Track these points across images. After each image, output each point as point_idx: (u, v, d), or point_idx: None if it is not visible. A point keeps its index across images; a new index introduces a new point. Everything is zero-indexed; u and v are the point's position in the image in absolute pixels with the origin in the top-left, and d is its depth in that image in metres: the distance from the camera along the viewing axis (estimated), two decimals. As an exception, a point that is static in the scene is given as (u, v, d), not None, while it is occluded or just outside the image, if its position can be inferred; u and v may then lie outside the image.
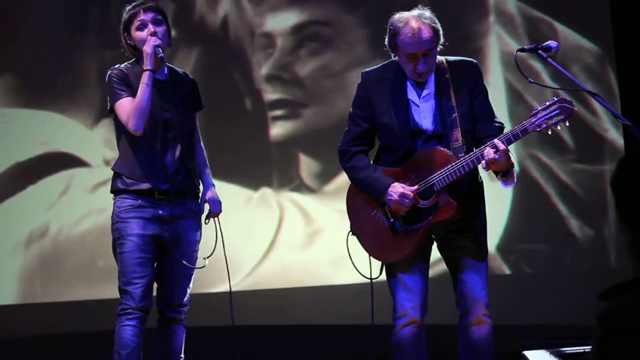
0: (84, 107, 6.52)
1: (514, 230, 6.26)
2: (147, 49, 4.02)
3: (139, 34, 4.09)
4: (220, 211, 4.19)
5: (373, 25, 6.30)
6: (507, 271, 6.26)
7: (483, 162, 3.56)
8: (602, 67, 6.26)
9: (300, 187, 6.47)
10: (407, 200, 3.67)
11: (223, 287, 4.21)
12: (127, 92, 4.06)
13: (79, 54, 6.56)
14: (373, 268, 3.83)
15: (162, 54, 4.04)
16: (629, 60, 6.18)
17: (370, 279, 3.83)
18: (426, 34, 3.65)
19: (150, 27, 4.07)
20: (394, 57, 3.78)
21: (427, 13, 3.71)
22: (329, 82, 6.49)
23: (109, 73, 4.13)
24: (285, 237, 6.43)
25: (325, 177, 6.41)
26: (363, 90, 3.84)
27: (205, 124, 4.31)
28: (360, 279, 3.86)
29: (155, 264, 4.12)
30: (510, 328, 5.43)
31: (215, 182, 4.29)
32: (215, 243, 4.15)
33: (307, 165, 6.47)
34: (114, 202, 4.12)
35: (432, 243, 3.85)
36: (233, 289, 4.27)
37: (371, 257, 3.84)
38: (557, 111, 3.54)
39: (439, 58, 3.76)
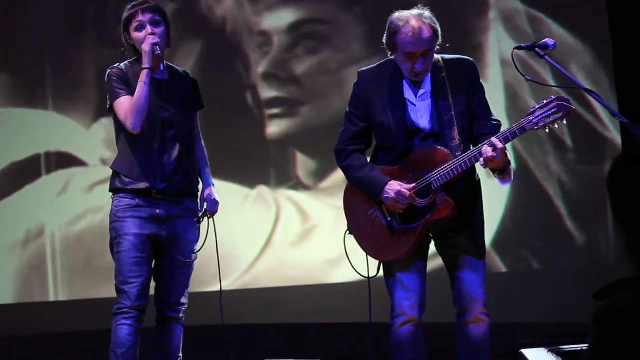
0: (81, 107, 6.52)
1: (511, 228, 6.26)
2: (145, 47, 4.03)
3: (137, 35, 4.10)
4: (216, 211, 4.18)
5: (369, 23, 6.30)
6: (504, 269, 6.26)
7: (481, 159, 3.56)
8: (600, 66, 6.25)
9: (297, 185, 6.47)
10: (403, 198, 3.67)
11: (218, 286, 4.21)
12: (126, 90, 4.07)
13: (77, 53, 6.56)
14: (370, 266, 3.84)
15: (159, 52, 4.04)
16: (627, 59, 6.17)
17: (368, 277, 3.83)
18: (426, 33, 3.65)
19: (148, 29, 4.07)
20: (391, 55, 3.78)
21: (427, 13, 3.71)
22: (326, 80, 6.49)
23: (108, 72, 4.13)
24: (282, 235, 6.43)
25: (322, 174, 6.41)
26: (359, 89, 3.84)
27: (202, 122, 4.30)
28: (358, 277, 3.86)
29: (154, 264, 4.12)
30: (508, 326, 5.44)
31: (212, 180, 4.29)
32: (205, 239, 4.14)
33: (303, 163, 6.47)
34: (112, 201, 4.13)
35: (430, 241, 3.85)
36: (229, 287, 4.28)
37: (368, 256, 3.84)
38: (555, 109, 3.54)
39: (435, 56, 3.76)
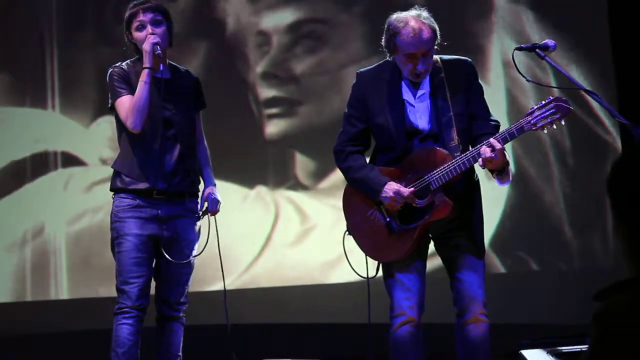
0: (80, 106, 6.51)
1: (510, 229, 6.26)
2: (146, 46, 4.04)
3: (138, 34, 4.11)
4: (218, 210, 4.18)
5: (369, 23, 6.31)
6: (503, 270, 6.26)
7: (480, 160, 3.56)
8: (600, 67, 6.26)
9: (296, 185, 6.47)
10: (401, 198, 3.68)
11: (218, 286, 4.21)
12: (127, 90, 4.07)
13: (76, 52, 6.55)
14: (370, 267, 3.84)
15: (159, 52, 4.04)
16: (627, 60, 6.18)
17: (367, 278, 3.83)
18: (426, 34, 3.66)
19: (149, 29, 4.08)
20: (390, 57, 3.78)
21: (425, 13, 3.72)
22: (325, 79, 6.49)
23: (110, 71, 4.14)
24: (281, 235, 6.43)
25: (321, 174, 6.41)
26: (358, 90, 3.84)
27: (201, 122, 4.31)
28: (357, 277, 3.86)
29: (154, 263, 4.12)
30: (507, 327, 5.44)
31: (214, 180, 4.29)
32: (207, 240, 4.15)
33: (302, 163, 6.47)
34: (113, 201, 4.13)
35: (429, 242, 3.85)
36: (228, 287, 4.27)
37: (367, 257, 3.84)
38: (553, 110, 3.54)
39: (434, 57, 3.77)
